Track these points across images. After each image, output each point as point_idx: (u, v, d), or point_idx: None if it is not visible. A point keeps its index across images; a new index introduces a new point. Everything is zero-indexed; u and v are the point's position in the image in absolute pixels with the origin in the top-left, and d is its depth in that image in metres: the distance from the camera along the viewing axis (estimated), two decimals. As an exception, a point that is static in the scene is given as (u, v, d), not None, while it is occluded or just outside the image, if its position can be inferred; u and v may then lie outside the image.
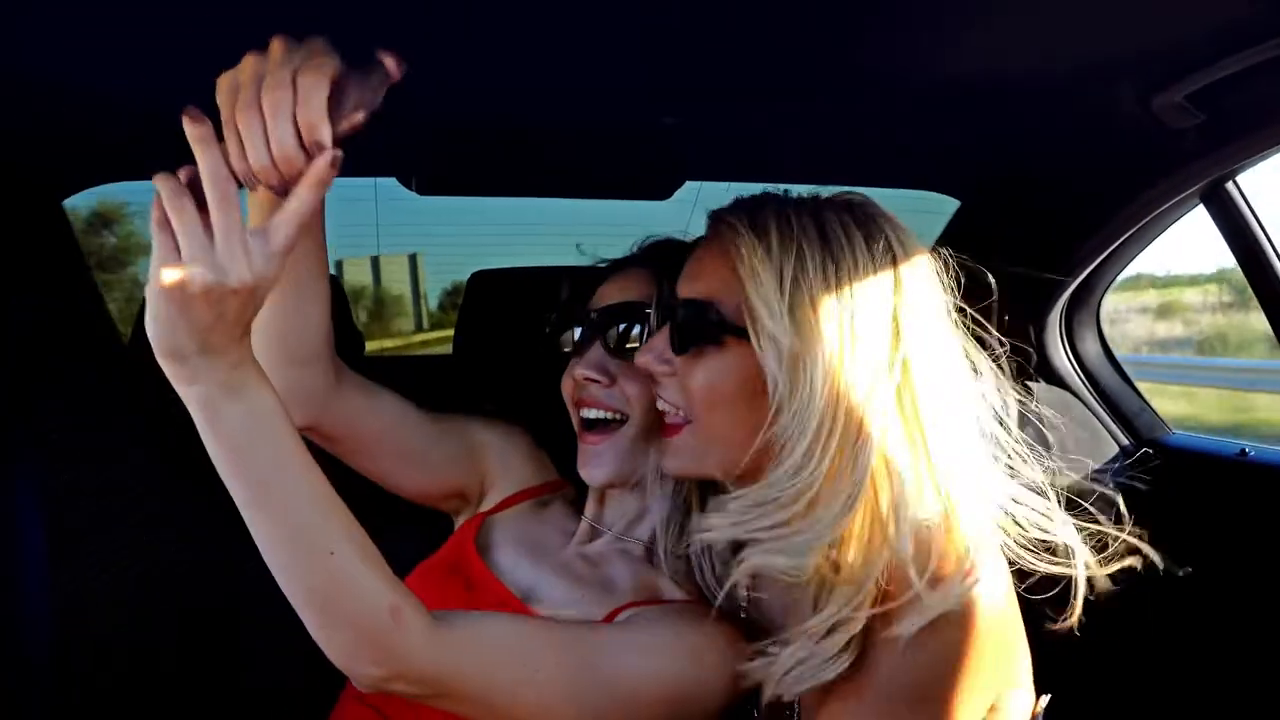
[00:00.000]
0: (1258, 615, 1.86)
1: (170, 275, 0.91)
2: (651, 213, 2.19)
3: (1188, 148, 1.58)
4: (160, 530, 1.84)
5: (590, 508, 1.53)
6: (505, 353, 2.06)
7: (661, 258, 1.49)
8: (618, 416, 1.43)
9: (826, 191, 1.30)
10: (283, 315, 1.30)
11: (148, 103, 1.63)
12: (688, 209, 2.16)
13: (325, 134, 0.92)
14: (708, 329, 1.23)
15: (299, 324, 1.32)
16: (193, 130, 0.92)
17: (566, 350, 1.51)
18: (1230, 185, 1.74)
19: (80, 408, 1.80)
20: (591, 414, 1.44)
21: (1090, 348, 2.32)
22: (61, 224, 1.96)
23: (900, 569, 1.11)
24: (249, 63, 0.93)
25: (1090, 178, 1.84)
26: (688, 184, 2.13)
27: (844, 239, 1.19)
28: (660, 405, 1.31)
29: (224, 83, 0.94)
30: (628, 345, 1.43)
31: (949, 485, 1.15)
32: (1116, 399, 2.29)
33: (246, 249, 0.92)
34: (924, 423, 1.16)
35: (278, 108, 0.91)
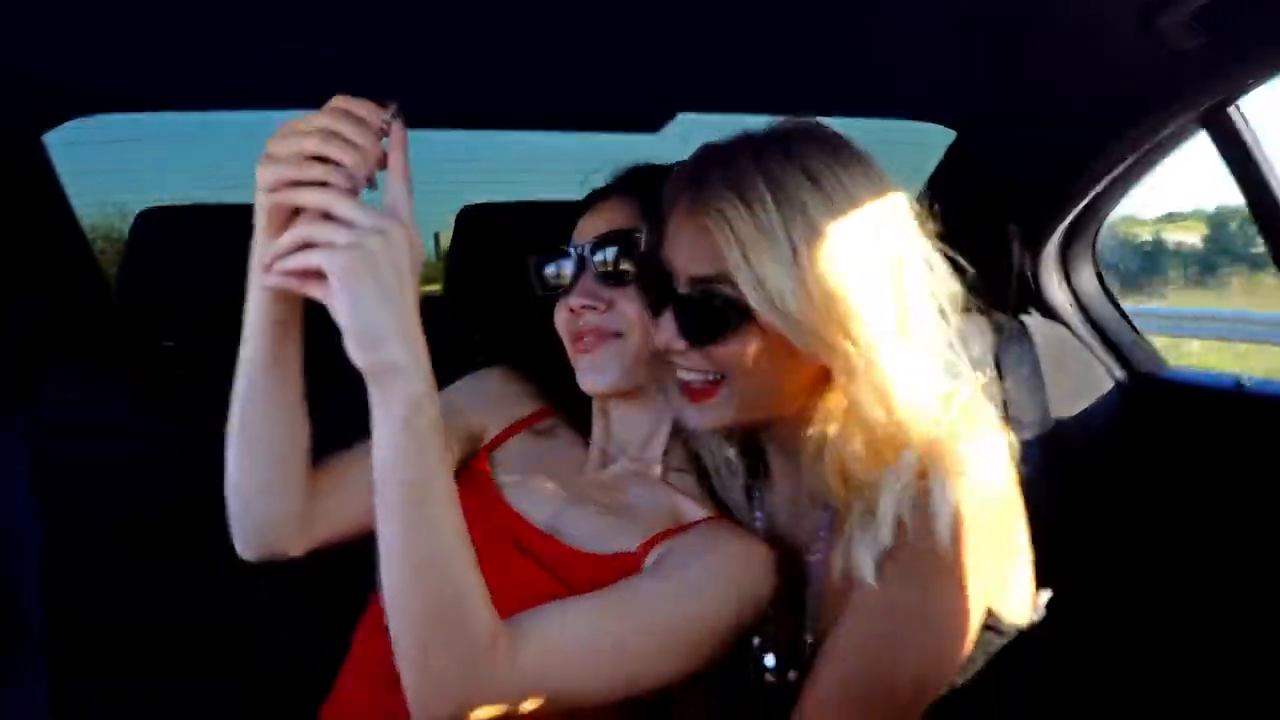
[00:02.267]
0: (1256, 546, 1.86)
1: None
2: (641, 147, 2.15)
3: (1191, 69, 1.55)
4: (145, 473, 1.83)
5: (597, 432, 1.50)
6: (497, 287, 2.03)
7: (642, 184, 1.45)
8: (618, 334, 1.40)
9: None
10: (280, 430, 1.26)
11: (127, 35, 1.60)
12: (679, 143, 2.13)
13: (385, 113, 1.06)
14: (719, 315, 1.21)
15: (297, 437, 1.28)
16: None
17: (554, 289, 1.47)
18: (1233, 110, 1.71)
19: (70, 360, 1.79)
20: (591, 338, 1.41)
21: (1086, 281, 2.30)
22: (42, 161, 1.93)
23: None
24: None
25: (1089, 103, 1.81)
26: (679, 116, 2.09)
27: (836, 182, 1.19)
28: (684, 376, 1.27)
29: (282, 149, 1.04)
30: (621, 269, 1.40)
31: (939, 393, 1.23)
32: (1112, 333, 2.28)
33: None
34: (915, 329, 1.22)
35: (339, 121, 1.03)
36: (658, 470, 1.46)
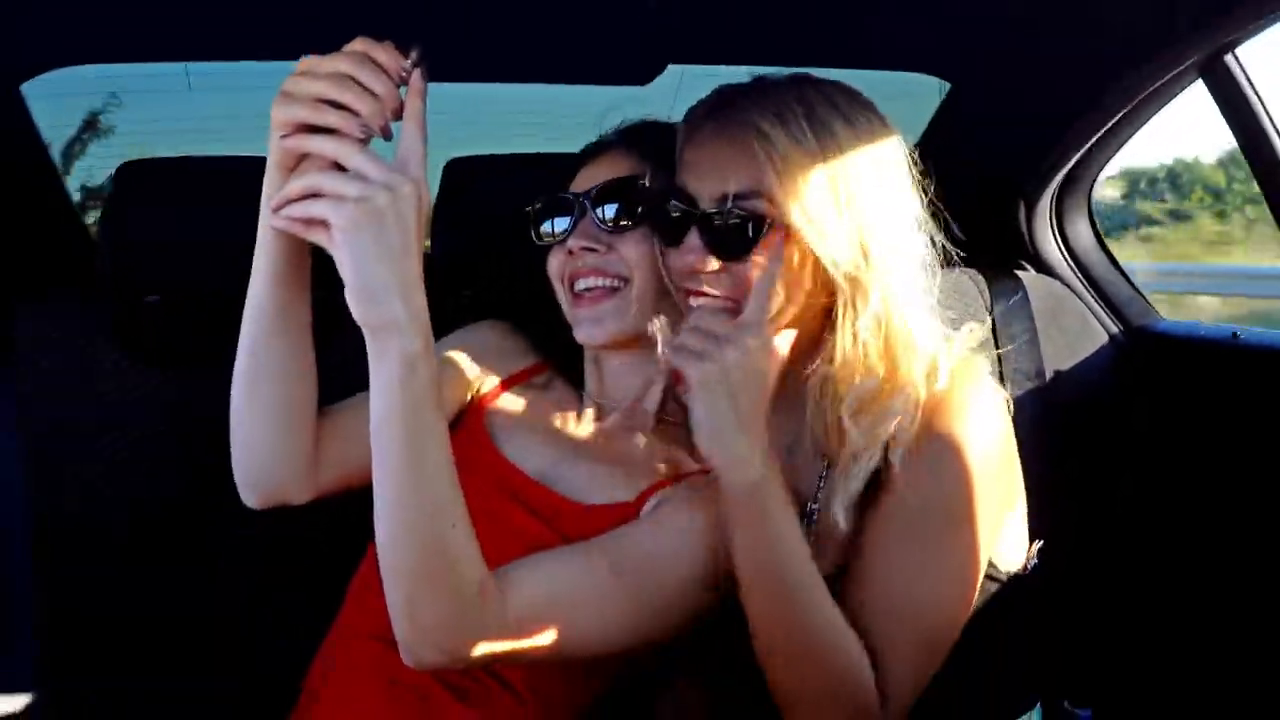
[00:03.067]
0: (1250, 498, 1.86)
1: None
2: (632, 99, 2.12)
3: (1189, 15, 1.52)
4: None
5: (591, 385, 1.50)
6: (486, 241, 2.01)
7: (644, 139, 1.46)
8: (616, 284, 1.39)
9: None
10: (286, 374, 1.25)
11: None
12: (670, 94, 2.10)
13: (405, 61, 1.05)
14: (751, 228, 1.24)
15: (304, 382, 1.29)
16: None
17: (551, 238, 1.45)
18: (1230, 58, 1.68)
19: (55, 316, 1.77)
20: (589, 282, 1.40)
21: (1081, 234, 2.28)
22: (20, 111, 1.89)
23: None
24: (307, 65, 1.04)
25: (1086, 52, 1.78)
26: (670, 68, 2.06)
27: (863, 120, 1.28)
28: (702, 303, 1.29)
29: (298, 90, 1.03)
30: (622, 218, 1.39)
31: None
32: (1106, 286, 2.27)
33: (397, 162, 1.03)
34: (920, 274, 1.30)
35: (358, 66, 1.02)
36: (652, 421, 1.45)
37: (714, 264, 1.27)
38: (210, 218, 1.79)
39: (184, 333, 1.78)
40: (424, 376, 1.04)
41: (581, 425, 1.49)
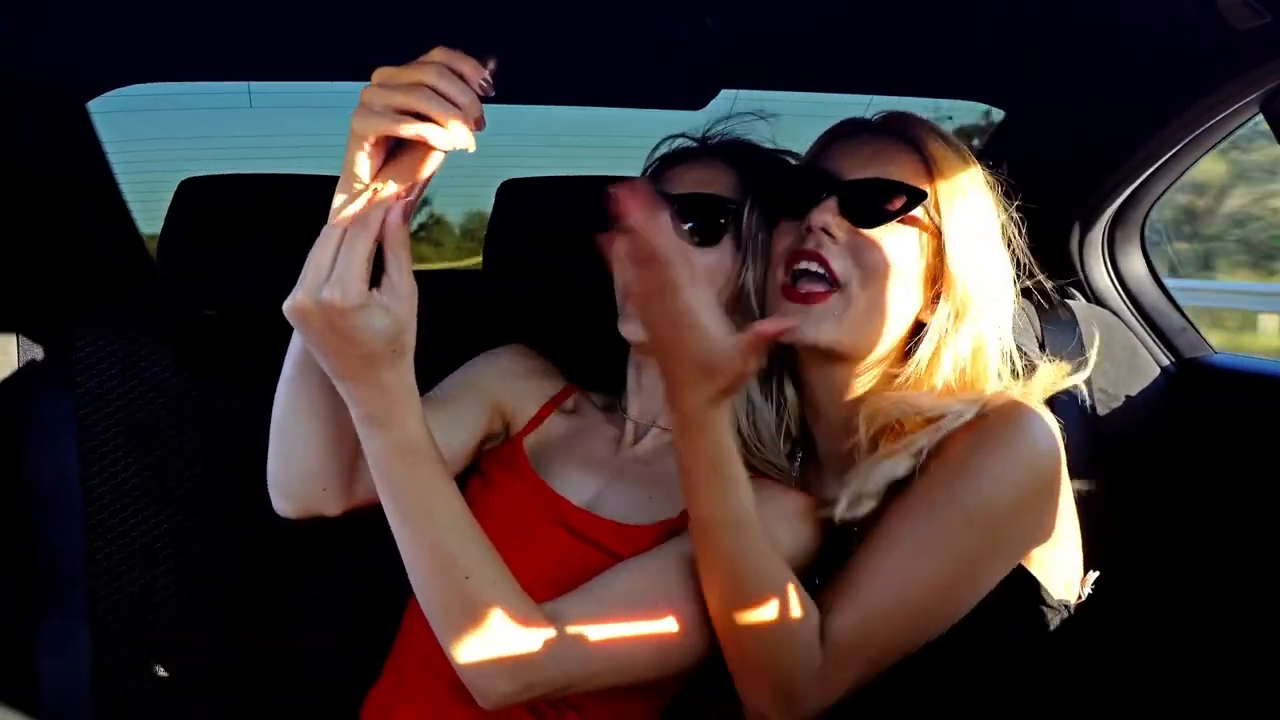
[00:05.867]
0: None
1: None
2: (683, 123, 2.13)
3: (1251, 51, 1.51)
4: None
5: (633, 406, 1.51)
6: (536, 263, 2.03)
7: (745, 158, 1.47)
8: None
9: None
10: (330, 392, 1.20)
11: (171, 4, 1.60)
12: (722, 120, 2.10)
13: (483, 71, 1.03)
14: (892, 198, 1.32)
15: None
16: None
17: None
18: (1291, 93, 1.66)
19: (112, 330, 1.80)
20: None
21: (1134, 265, 2.26)
22: (87, 128, 1.94)
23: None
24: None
25: (1143, 84, 1.77)
26: (723, 93, 2.07)
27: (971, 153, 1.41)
28: (809, 266, 1.32)
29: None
30: (701, 232, 1.40)
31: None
32: (1158, 318, 2.24)
33: (354, 271, 1.00)
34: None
35: (439, 77, 1.00)
36: None
37: (843, 224, 1.31)
38: (267, 234, 1.82)
39: (241, 347, 1.81)
40: (375, 442, 1.09)
41: (623, 447, 1.50)
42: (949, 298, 1.33)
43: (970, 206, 1.35)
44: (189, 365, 1.80)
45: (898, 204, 1.32)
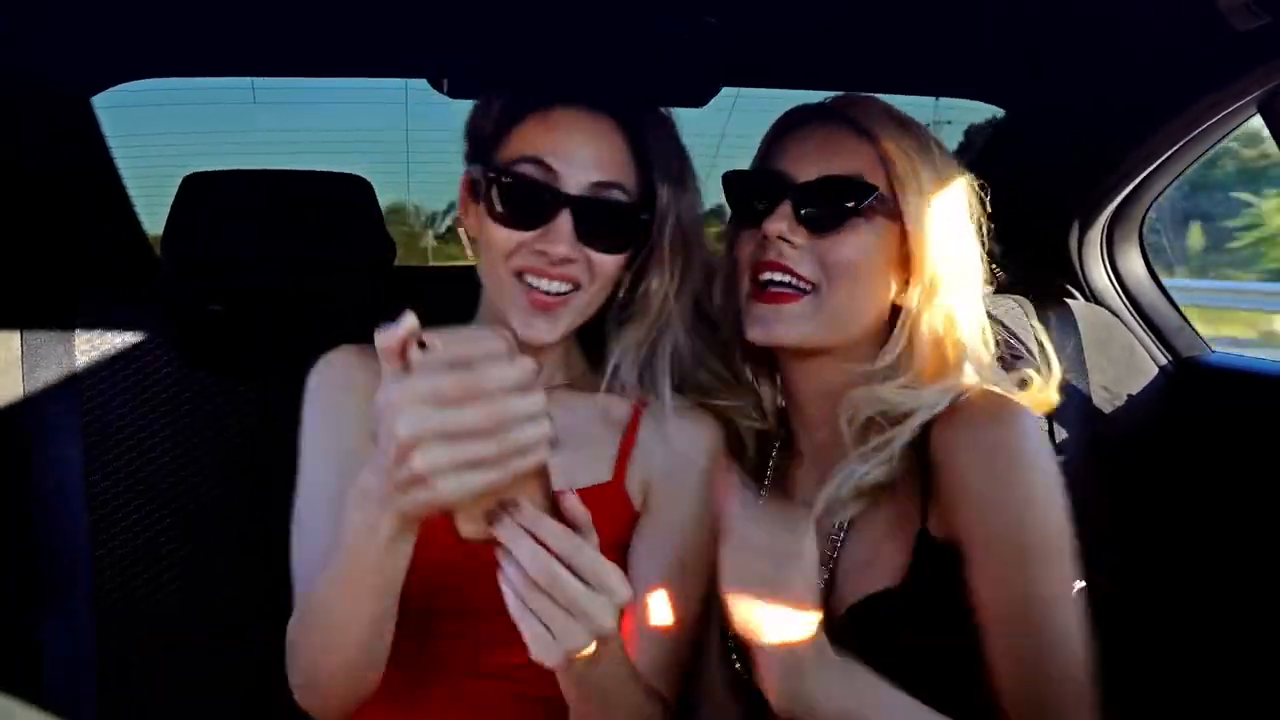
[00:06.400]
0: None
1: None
2: (684, 120, 2.13)
3: (1251, 51, 1.51)
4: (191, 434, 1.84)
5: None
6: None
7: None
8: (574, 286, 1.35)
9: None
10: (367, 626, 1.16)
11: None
12: (723, 116, 2.11)
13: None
14: (848, 200, 1.31)
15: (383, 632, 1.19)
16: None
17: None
18: (1291, 94, 1.67)
19: (117, 325, 1.80)
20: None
21: (1132, 265, 2.27)
22: (91, 123, 1.94)
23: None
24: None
25: (1142, 85, 1.78)
26: (724, 90, 2.07)
27: (941, 143, 1.38)
28: (774, 276, 1.32)
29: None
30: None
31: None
32: (1156, 317, 2.25)
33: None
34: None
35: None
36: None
37: (800, 232, 1.31)
38: (271, 229, 1.83)
39: (245, 342, 1.81)
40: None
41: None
42: (918, 280, 1.33)
43: (926, 186, 1.32)
44: (193, 361, 1.80)
45: (852, 202, 1.30)
